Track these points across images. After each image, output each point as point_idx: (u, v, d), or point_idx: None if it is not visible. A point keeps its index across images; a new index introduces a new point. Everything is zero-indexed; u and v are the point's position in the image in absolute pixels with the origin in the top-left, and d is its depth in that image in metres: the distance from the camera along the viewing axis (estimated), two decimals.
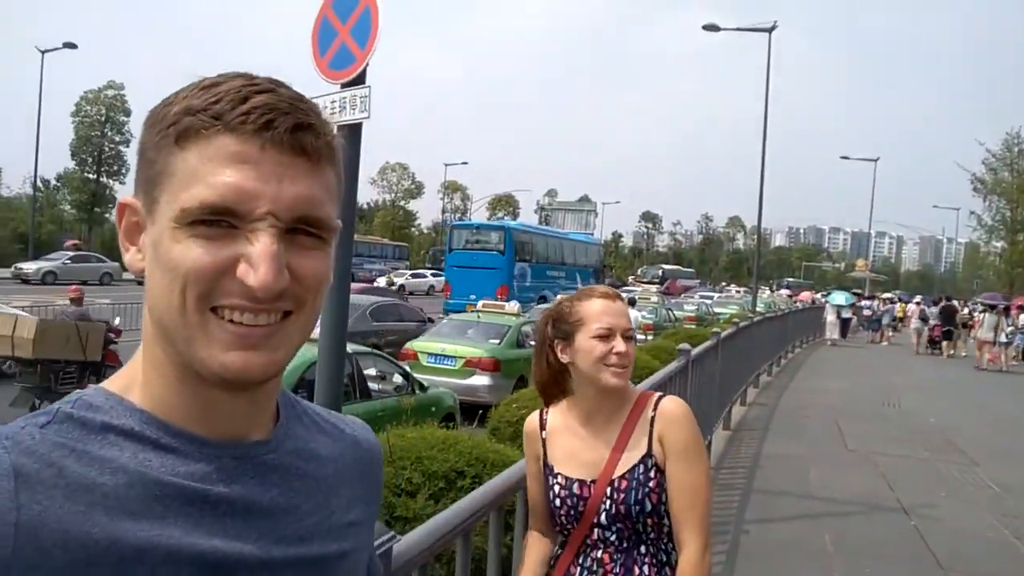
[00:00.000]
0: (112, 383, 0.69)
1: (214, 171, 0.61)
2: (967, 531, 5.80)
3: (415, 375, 8.38)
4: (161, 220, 0.63)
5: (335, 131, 0.68)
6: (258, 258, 0.61)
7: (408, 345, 11.11)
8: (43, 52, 35.12)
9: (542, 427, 1.91)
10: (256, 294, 0.62)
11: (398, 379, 7.74)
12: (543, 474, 1.86)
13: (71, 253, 32.87)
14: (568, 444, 1.85)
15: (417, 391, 7.74)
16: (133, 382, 0.68)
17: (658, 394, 1.90)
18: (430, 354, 10.63)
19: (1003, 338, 19.44)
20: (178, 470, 0.64)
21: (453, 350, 10.53)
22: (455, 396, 8.64)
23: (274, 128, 0.62)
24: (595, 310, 1.81)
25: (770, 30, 21.94)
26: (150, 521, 0.61)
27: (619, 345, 1.76)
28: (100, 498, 0.59)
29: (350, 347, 6.99)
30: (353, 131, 4.19)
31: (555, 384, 1.90)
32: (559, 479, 1.83)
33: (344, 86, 4.15)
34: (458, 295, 22.34)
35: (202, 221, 0.61)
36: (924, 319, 24.05)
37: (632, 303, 18.23)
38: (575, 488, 1.80)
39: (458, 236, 26.62)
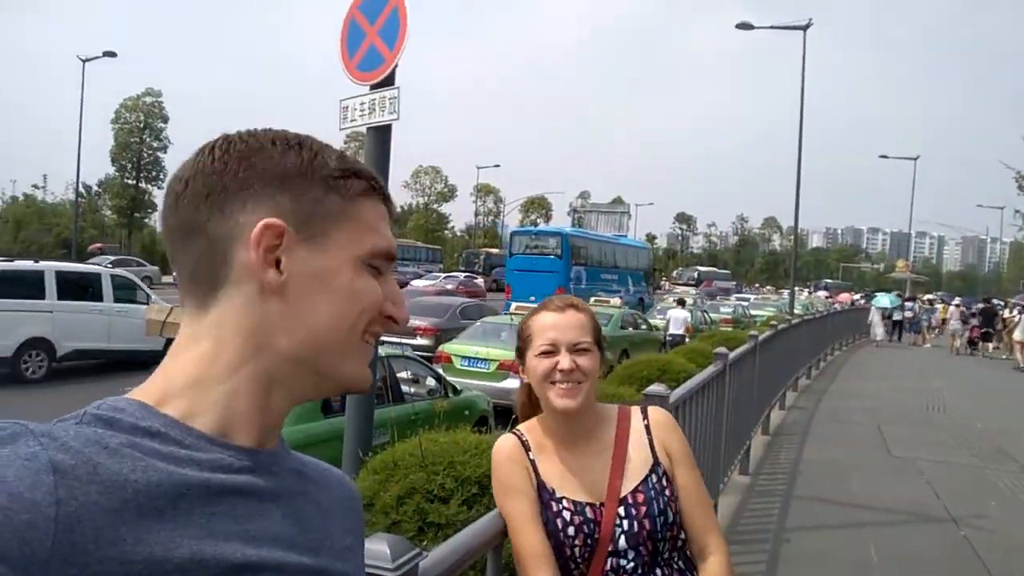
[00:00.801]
0: (140, 395, 0.71)
1: (383, 228, 0.80)
2: (1022, 542, 5.56)
3: (448, 378, 8.34)
4: (338, 253, 0.75)
5: None
6: (402, 299, 0.81)
7: (441, 348, 11.10)
8: (84, 61, 35.89)
9: (526, 448, 1.70)
10: (401, 326, 0.81)
11: (431, 382, 7.71)
12: (541, 503, 1.64)
13: (112, 257, 33.52)
14: (560, 465, 1.68)
15: (450, 394, 7.70)
16: (169, 396, 0.71)
17: (638, 406, 1.80)
18: (463, 357, 10.61)
19: None
20: (203, 467, 0.67)
21: (487, 353, 10.48)
22: (489, 399, 8.58)
23: (391, 206, 0.84)
24: (541, 324, 1.67)
25: (805, 28, 21.63)
26: (176, 520, 0.62)
27: (563, 361, 1.60)
28: (132, 495, 0.60)
29: (383, 351, 6.98)
30: (383, 133, 4.16)
31: (529, 401, 1.77)
32: (565, 503, 1.62)
33: (373, 87, 4.13)
34: (519, 297, 23.40)
35: (373, 264, 0.78)
36: (964, 320, 23.96)
37: (681, 303, 18.25)
38: (588, 513, 1.61)
39: (518, 242, 28.23)
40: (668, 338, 15.94)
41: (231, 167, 0.73)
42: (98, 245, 39.57)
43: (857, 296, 46.96)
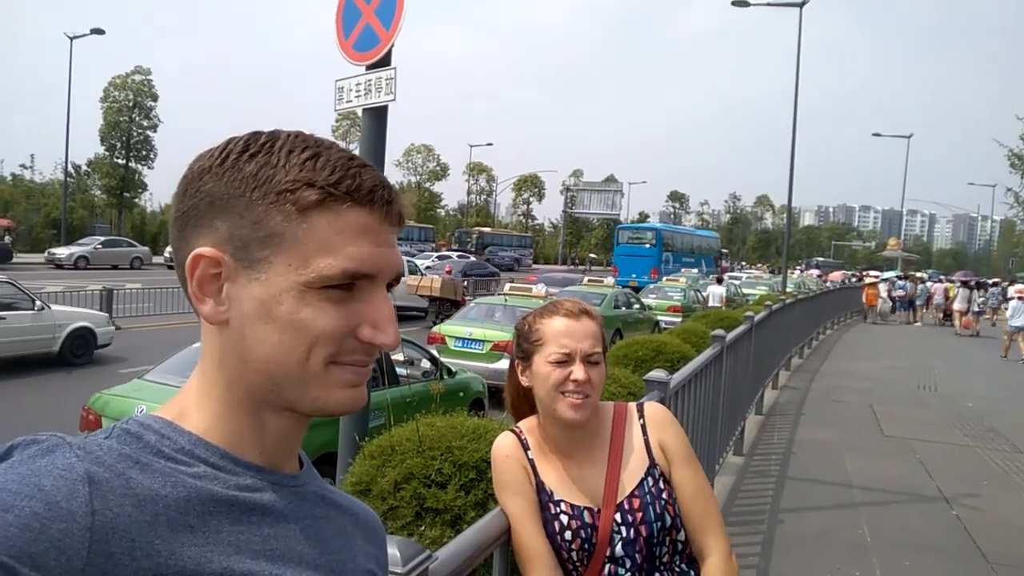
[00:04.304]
0: (163, 412, 0.72)
1: (348, 242, 0.68)
2: (1014, 523, 5.62)
3: (443, 359, 8.32)
4: (278, 280, 0.68)
5: None
6: (385, 321, 0.71)
7: (436, 329, 11.08)
8: (71, 38, 35.48)
9: (524, 447, 1.67)
10: (387, 351, 0.73)
11: (426, 364, 7.69)
12: (540, 503, 1.61)
13: (102, 238, 33.27)
14: (558, 468, 1.64)
15: (445, 376, 7.69)
16: (186, 411, 0.72)
17: (635, 403, 1.76)
18: (457, 338, 10.58)
19: (976, 308, 22.86)
20: (229, 485, 0.68)
21: (481, 334, 10.47)
22: (483, 381, 8.57)
23: (390, 205, 0.72)
24: (554, 330, 1.60)
25: (801, 4, 21.46)
26: (206, 535, 0.63)
27: (577, 372, 1.55)
28: (163, 509, 0.61)
29: None
30: (379, 114, 4.10)
31: (525, 401, 1.73)
32: (563, 506, 1.59)
33: (369, 68, 4.07)
34: (624, 275, 31.32)
35: (334, 286, 0.68)
36: (946, 296, 26.24)
37: (719, 281, 20.90)
38: (586, 517, 1.58)
39: (622, 234, 37.72)
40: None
41: (190, 189, 0.71)
42: (4, 222, 34.02)
43: (853, 274, 47.13)
